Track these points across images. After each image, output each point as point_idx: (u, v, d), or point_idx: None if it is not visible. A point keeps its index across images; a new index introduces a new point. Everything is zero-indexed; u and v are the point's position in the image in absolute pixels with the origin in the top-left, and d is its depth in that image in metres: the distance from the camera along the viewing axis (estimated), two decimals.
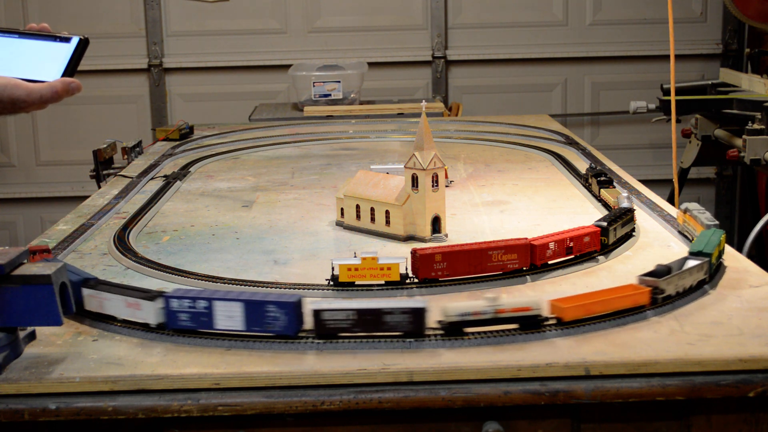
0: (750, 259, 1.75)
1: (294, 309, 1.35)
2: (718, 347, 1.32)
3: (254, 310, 1.35)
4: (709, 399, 1.28)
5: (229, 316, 1.36)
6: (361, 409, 1.26)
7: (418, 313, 1.36)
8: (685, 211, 1.88)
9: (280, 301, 1.35)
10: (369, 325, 1.36)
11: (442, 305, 1.38)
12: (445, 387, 1.27)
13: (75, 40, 1.55)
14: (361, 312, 1.35)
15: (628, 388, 1.27)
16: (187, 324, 1.37)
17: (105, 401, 1.25)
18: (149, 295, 1.40)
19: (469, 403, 1.26)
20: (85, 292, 1.45)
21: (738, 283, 1.60)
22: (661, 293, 1.48)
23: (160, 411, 1.25)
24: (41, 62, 1.54)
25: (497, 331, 1.36)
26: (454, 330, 1.37)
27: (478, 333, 1.36)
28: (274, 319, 1.35)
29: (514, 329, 1.38)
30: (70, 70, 1.53)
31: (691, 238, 1.84)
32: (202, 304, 1.36)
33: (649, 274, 1.51)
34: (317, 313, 1.35)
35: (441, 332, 1.37)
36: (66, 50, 1.55)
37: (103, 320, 1.45)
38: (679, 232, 1.93)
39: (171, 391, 1.27)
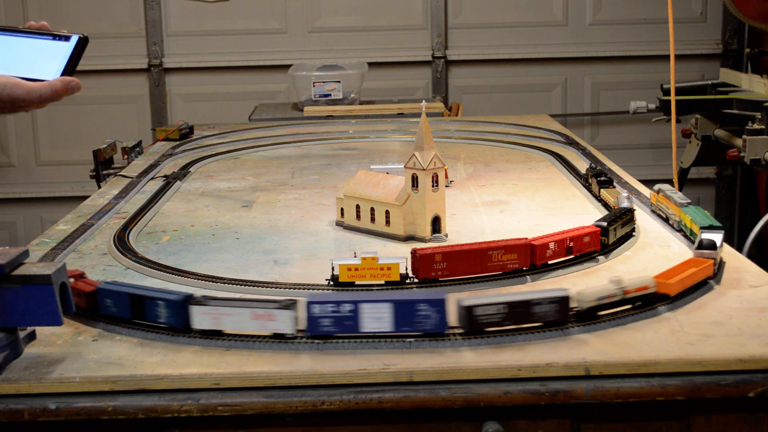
0: (750, 259, 1.75)
1: (445, 306, 1.34)
2: (718, 347, 1.32)
3: (404, 309, 1.34)
4: (709, 399, 1.28)
5: (377, 318, 1.34)
6: (361, 409, 1.26)
7: (564, 302, 1.38)
8: (658, 191, 2.03)
9: (431, 299, 1.34)
10: (518, 318, 1.37)
11: (576, 292, 1.40)
12: (445, 387, 1.27)
13: (74, 39, 1.55)
14: (511, 305, 1.36)
15: (628, 388, 1.27)
16: (329, 329, 1.35)
17: (105, 401, 1.25)
18: (284, 303, 1.36)
19: (469, 403, 1.26)
20: (196, 309, 1.37)
21: (738, 283, 1.60)
22: (717, 264, 1.61)
23: (160, 411, 1.25)
24: (40, 61, 1.54)
25: (497, 331, 1.36)
26: (588, 316, 1.39)
27: (479, 333, 1.36)
28: (425, 318, 1.35)
29: (631, 310, 1.43)
30: (70, 68, 1.53)
31: (664, 217, 1.99)
32: (347, 307, 1.34)
33: (701, 248, 1.62)
34: (469, 309, 1.35)
35: (575, 319, 1.39)
36: (65, 49, 1.54)
37: (215, 335, 1.38)
38: (652, 210, 2.05)
39: (171, 391, 1.27)
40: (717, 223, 1.75)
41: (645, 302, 1.46)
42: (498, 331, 1.36)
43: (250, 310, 1.36)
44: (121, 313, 1.43)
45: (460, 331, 1.36)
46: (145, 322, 1.41)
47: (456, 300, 1.37)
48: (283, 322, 1.35)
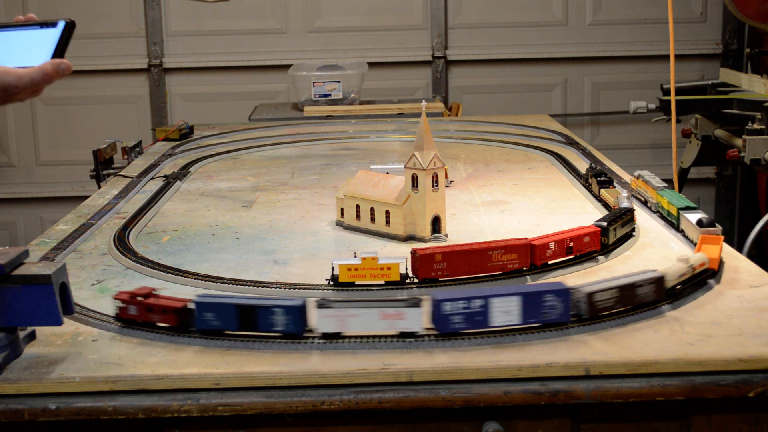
0: (750, 259, 1.75)
1: (569, 295, 1.38)
2: (718, 347, 1.32)
3: (532, 301, 1.36)
4: (709, 399, 1.28)
5: (505, 312, 1.36)
6: (361, 409, 1.26)
7: (660, 282, 1.45)
8: (638, 177, 2.18)
9: (557, 289, 1.38)
10: (626, 300, 1.42)
11: (662, 271, 1.47)
12: (445, 387, 1.27)
13: (61, 24, 1.55)
14: (621, 288, 1.42)
15: (628, 388, 1.27)
16: (460, 326, 1.35)
17: (105, 401, 1.25)
18: (413, 302, 1.35)
19: (469, 403, 1.26)
20: (320, 313, 1.35)
21: (738, 283, 1.60)
22: None
23: (160, 411, 1.25)
24: (30, 50, 1.53)
25: (498, 332, 1.36)
26: (673, 294, 1.46)
27: (478, 333, 1.36)
28: (551, 308, 1.37)
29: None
30: (59, 52, 1.53)
31: (643, 200, 2.13)
32: (477, 303, 1.34)
33: (702, 225, 1.76)
34: (590, 296, 1.39)
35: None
36: (53, 35, 1.54)
37: (336, 338, 1.35)
38: (632, 195, 2.14)
39: (171, 391, 1.27)
40: (693, 204, 1.92)
41: (704, 278, 1.56)
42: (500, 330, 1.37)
43: (379, 309, 1.34)
44: (226, 326, 1.36)
45: (577, 318, 1.40)
46: (253, 332, 1.36)
47: (573, 287, 1.40)
48: (413, 321, 1.35)
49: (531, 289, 1.38)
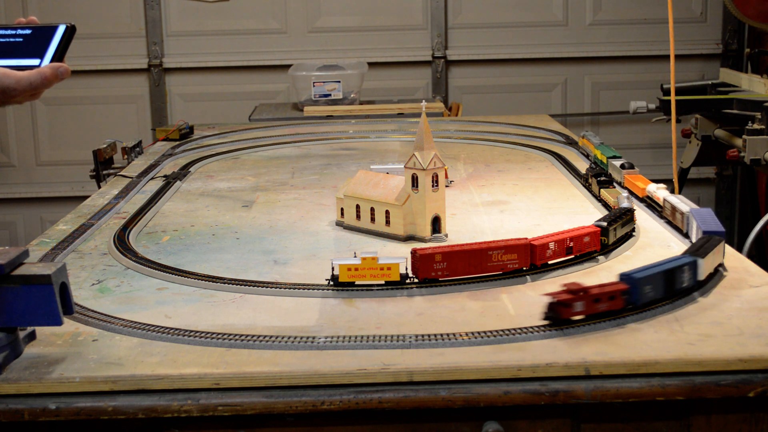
0: (750, 259, 1.75)
1: None
2: (718, 347, 1.32)
3: None
4: (709, 399, 1.28)
5: None
6: (361, 409, 1.26)
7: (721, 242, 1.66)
8: (583, 136, 2.71)
9: None
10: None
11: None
12: (445, 387, 1.27)
13: (62, 28, 1.56)
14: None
15: (628, 388, 1.27)
16: None
17: (105, 401, 1.25)
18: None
19: (469, 403, 1.26)
20: (701, 262, 1.52)
21: (738, 283, 1.60)
22: None
23: (160, 411, 1.25)
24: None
25: (498, 332, 1.37)
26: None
27: (479, 333, 1.36)
28: None
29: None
30: (58, 56, 1.53)
31: (586, 154, 2.58)
32: None
33: (624, 168, 2.25)
34: None
35: None
36: (53, 38, 1.55)
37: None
38: (580, 152, 2.59)
39: (171, 391, 1.27)
40: (618, 154, 2.39)
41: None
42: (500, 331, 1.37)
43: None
44: (657, 295, 1.47)
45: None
46: (669, 297, 1.47)
47: None
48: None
49: None
